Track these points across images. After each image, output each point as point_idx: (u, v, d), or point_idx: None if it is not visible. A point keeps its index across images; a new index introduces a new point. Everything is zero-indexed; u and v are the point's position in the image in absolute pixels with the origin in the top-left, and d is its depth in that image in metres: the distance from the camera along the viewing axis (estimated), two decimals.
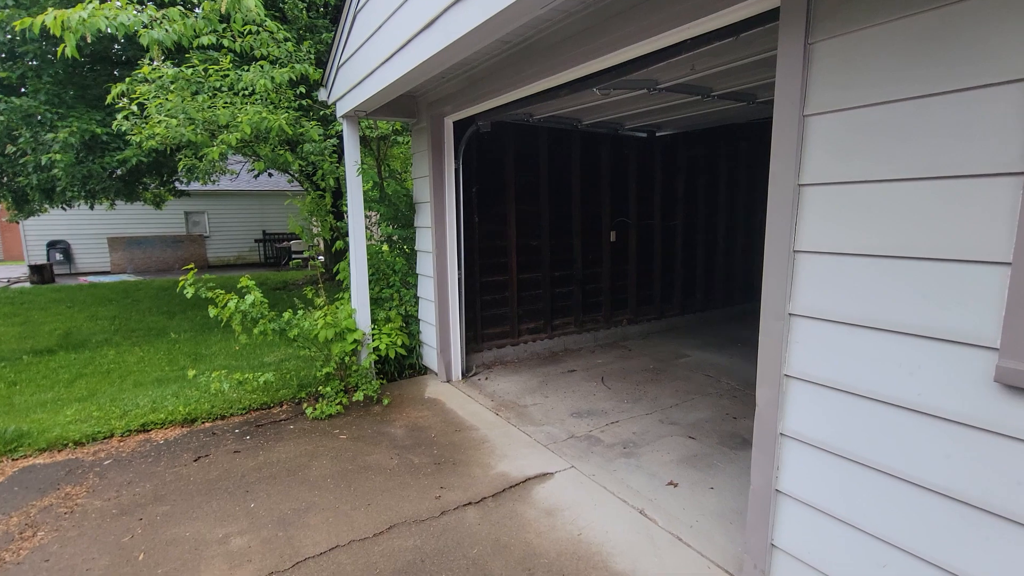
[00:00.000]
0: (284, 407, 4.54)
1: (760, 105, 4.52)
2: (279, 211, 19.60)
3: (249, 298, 4.08)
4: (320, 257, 9.20)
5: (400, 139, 7.91)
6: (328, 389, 4.49)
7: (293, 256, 17.22)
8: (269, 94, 5.06)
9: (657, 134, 6.24)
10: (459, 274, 5.09)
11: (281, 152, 5.60)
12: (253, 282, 4.20)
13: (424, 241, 5.23)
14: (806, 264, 1.99)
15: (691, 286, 7.45)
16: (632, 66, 2.86)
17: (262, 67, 4.88)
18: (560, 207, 6.10)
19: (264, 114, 4.79)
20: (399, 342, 4.89)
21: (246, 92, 5.04)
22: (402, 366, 5.46)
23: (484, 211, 5.56)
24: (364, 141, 7.30)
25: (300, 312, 4.47)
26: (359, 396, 4.43)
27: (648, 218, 6.82)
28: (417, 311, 5.49)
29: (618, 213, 6.54)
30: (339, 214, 8.86)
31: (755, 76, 3.75)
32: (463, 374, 5.24)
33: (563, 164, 6.08)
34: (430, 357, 5.33)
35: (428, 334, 5.33)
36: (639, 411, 4.31)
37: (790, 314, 2.04)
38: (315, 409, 4.30)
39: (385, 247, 5.59)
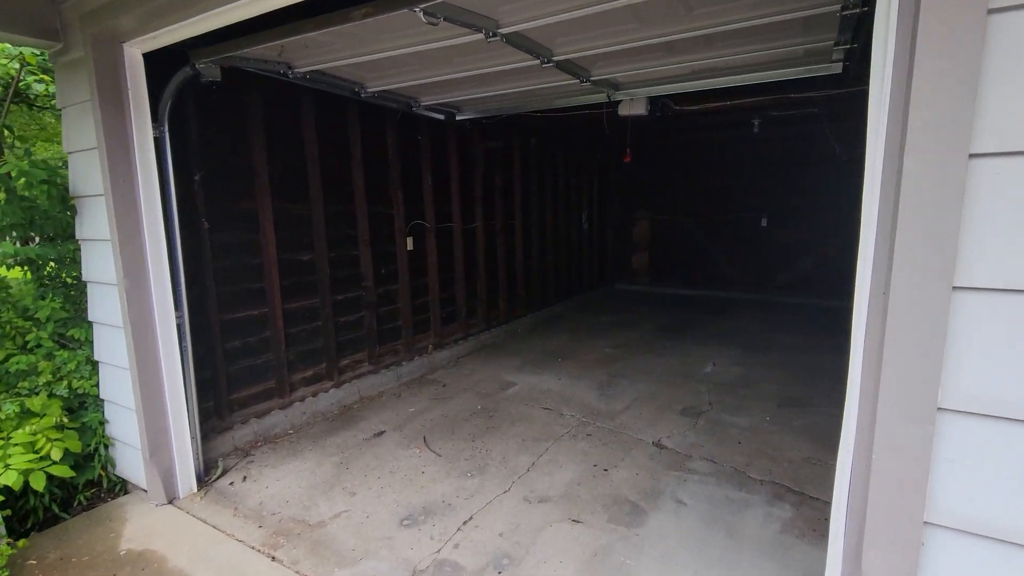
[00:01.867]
0: None
1: (593, 85, 3.78)
2: None
3: None
4: None
5: (41, 85, 4.78)
6: None
7: None
8: None
9: (457, 117, 5.10)
10: (179, 314, 3.03)
11: None
12: None
13: (98, 265, 2.99)
14: (980, 312, 1.05)
15: (494, 295, 6.60)
16: None
17: None
18: (340, 206, 4.44)
19: None
20: (57, 455, 2.63)
21: None
22: (70, 494, 3.06)
23: (219, 211, 3.55)
24: None
25: None
26: None
27: (446, 219, 5.66)
28: (97, 388, 3.15)
29: (414, 215, 5.19)
30: None
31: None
32: (201, 479, 3.19)
33: (340, 146, 4.42)
34: (131, 464, 3.10)
35: (123, 425, 3.09)
36: (493, 488, 3.09)
37: (941, 409, 1.08)
38: None
39: (16, 274, 3.09)
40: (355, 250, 4.61)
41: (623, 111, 4.71)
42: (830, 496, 2.90)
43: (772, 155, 8.47)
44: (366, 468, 3.36)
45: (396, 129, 4.87)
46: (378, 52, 3.04)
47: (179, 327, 3.03)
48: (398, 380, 4.92)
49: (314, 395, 4.24)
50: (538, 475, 3.23)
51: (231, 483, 3.22)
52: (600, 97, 4.30)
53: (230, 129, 3.61)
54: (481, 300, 6.28)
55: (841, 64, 3.36)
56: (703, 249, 9.27)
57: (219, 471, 3.32)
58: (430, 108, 4.78)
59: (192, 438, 3.13)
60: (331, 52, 3.14)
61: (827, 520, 2.75)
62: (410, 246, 5.11)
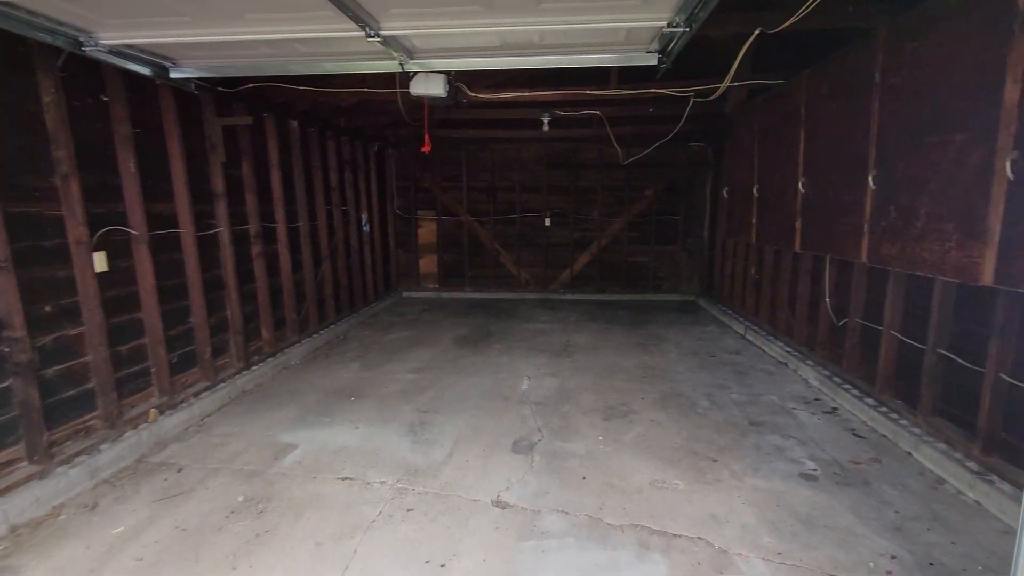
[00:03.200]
0: None
1: (383, 44, 2.79)
2: None
3: None
4: None
5: None
6: None
7: None
8: None
9: (173, 73, 3.47)
10: None
11: None
12: None
13: None
14: None
15: (253, 322, 5.03)
16: None
17: None
18: None
19: None
20: None
21: None
22: None
23: None
24: None
25: None
26: None
27: (169, 223, 3.94)
28: None
29: (108, 217, 3.39)
30: None
31: None
32: None
33: None
34: None
35: None
36: None
37: None
38: None
39: None
40: None
41: (417, 89, 3.85)
42: (691, 531, 2.62)
43: (556, 155, 8.69)
44: None
45: (66, 84, 3.04)
46: None
47: None
48: (93, 478, 3.12)
49: None
50: None
51: None
52: (390, 66, 3.34)
53: None
54: (235, 330, 4.66)
55: (656, 56, 3.14)
56: (491, 250, 9.05)
57: None
58: (122, 53, 3.10)
59: None
60: None
61: (700, 564, 2.47)
62: (102, 265, 3.30)
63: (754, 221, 5.20)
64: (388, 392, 4.53)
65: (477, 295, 9.05)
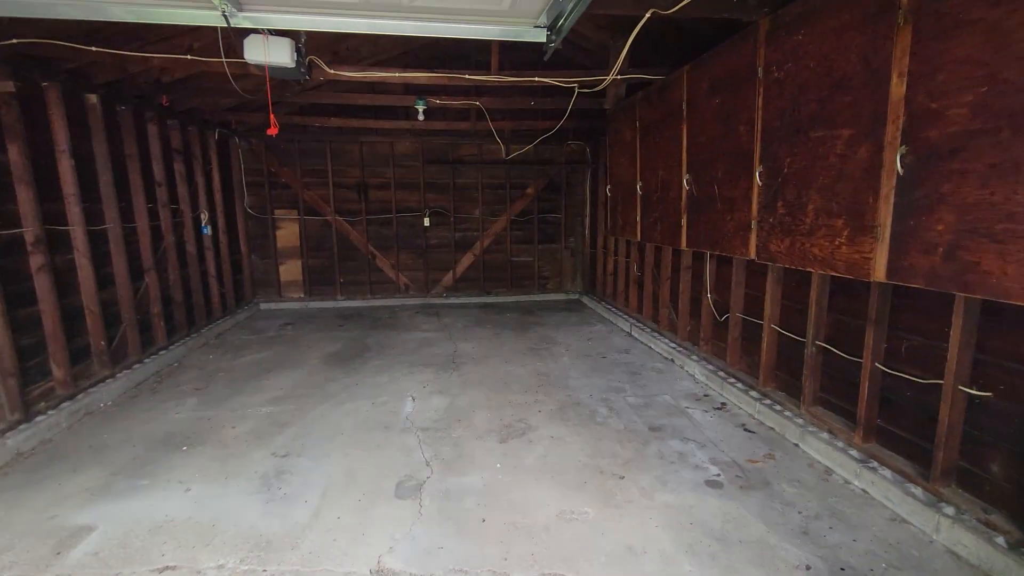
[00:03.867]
0: None
1: None
2: None
3: None
4: None
5: None
6: None
7: None
8: None
9: None
10: None
11: None
12: None
13: None
14: None
15: (38, 356, 3.80)
16: None
17: None
18: None
19: None
20: None
21: None
22: None
23: None
24: None
25: None
26: None
27: None
28: None
29: None
30: None
31: None
32: None
33: None
34: None
35: None
36: None
37: None
38: None
39: None
40: None
41: (254, 55, 3.08)
42: (610, 570, 2.29)
43: (434, 150, 8.10)
44: None
45: None
46: None
47: None
48: None
49: None
50: None
51: None
52: (209, 17, 2.55)
53: None
54: (3, 372, 3.42)
55: (545, 32, 2.77)
56: (365, 253, 8.21)
57: None
58: None
59: None
60: None
61: None
62: None
63: (638, 219, 5.16)
64: (235, 434, 3.65)
65: (351, 304, 8.16)
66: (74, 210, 4.14)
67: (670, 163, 4.35)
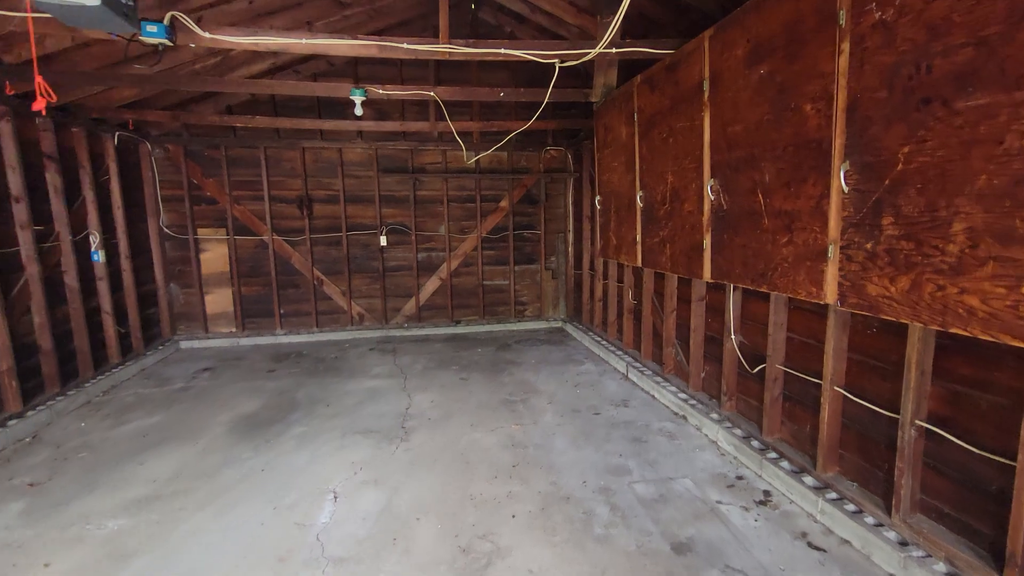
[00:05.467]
0: None
1: None
2: None
3: None
4: None
5: None
6: None
7: None
8: None
9: None
10: None
11: None
12: None
13: None
14: None
15: None
16: None
17: None
18: None
19: None
20: None
21: None
22: None
23: None
24: None
25: None
26: None
27: None
28: None
29: None
30: None
31: None
32: None
33: None
34: None
35: None
36: None
37: None
38: None
39: None
40: None
41: None
42: None
43: (391, 158, 6.93)
44: None
45: None
46: None
47: None
48: None
49: None
50: None
51: None
52: None
53: None
54: None
55: None
56: (310, 279, 6.94)
57: None
58: None
59: None
60: None
61: None
62: None
63: (638, 239, 4.05)
64: (49, 574, 2.36)
65: (293, 339, 6.86)
66: None
67: (684, 165, 3.25)
